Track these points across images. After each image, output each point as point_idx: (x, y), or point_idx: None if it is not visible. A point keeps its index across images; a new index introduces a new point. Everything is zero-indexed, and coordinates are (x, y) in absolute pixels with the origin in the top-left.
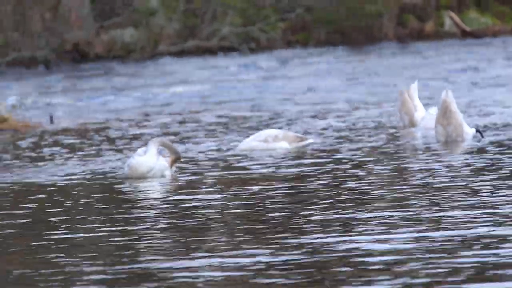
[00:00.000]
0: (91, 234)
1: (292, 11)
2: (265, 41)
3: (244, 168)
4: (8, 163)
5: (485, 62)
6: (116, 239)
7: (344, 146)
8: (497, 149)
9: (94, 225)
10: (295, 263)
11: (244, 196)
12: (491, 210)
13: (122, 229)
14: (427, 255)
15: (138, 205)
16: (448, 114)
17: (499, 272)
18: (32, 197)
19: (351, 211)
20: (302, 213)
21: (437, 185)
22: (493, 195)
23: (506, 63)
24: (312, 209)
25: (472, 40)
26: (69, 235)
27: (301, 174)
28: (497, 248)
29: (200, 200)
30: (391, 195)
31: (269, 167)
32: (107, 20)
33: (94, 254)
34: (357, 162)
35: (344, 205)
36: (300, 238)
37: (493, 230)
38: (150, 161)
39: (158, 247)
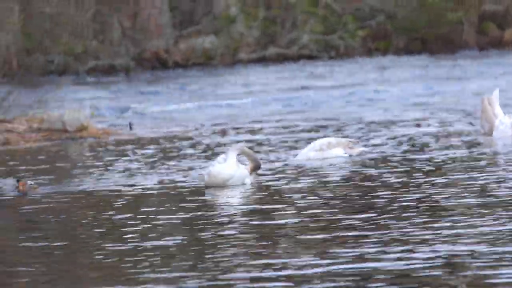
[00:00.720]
0: (168, 242)
1: (372, 19)
2: (344, 49)
3: (320, 175)
4: (88, 170)
5: None
6: (194, 247)
7: (418, 154)
8: None
9: (173, 233)
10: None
11: (328, 201)
12: None
13: (200, 236)
14: None
15: (217, 213)
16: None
17: None
18: (114, 204)
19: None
20: (383, 221)
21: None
22: None
23: None
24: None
25: None
26: (141, 243)
27: (378, 180)
28: None
29: (280, 207)
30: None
31: (338, 175)
32: (186, 28)
33: (168, 261)
34: (434, 168)
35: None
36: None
37: None
38: (230, 169)
39: (236, 256)
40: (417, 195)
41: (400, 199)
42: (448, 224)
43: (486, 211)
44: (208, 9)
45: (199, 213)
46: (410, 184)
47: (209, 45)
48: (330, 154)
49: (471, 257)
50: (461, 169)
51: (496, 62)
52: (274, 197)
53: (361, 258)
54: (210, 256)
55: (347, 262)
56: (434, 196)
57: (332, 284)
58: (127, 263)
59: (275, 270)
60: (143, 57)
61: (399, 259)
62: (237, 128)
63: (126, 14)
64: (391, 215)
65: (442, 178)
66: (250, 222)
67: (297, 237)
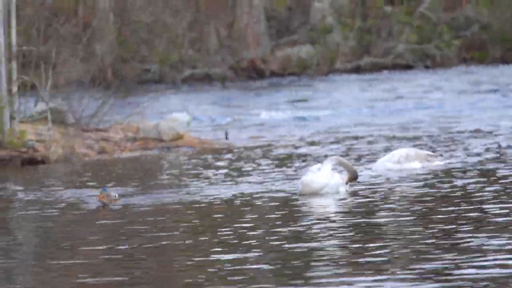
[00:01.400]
0: (263, 251)
1: (467, 29)
2: (440, 58)
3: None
4: (185, 179)
5: None
6: (288, 257)
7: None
8: None
9: (270, 241)
10: None
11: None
12: None
13: (294, 244)
14: None
15: (310, 222)
16: None
17: None
18: (214, 214)
19: None
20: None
21: None
22: None
23: None
24: None
25: None
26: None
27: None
28: None
29: (376, 216)
30: None
31: (430, 186)
32: (282, 37)
33: (269, 268)
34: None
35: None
36: None
37: None
38: (323, 178)
39: (331, 263)
40: None
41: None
42: None
43: None
44: (305, 19)
45: (290, 221)
46: None
47: (305, 55)
48: (407, 166)
49: None
50: None
51: None
52: (362, 208)
53: None
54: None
55: None
56: None
57: None
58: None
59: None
60: (239, 66)
61: None
62: (332, 137)
63: (223, 23)
64: None
65: None
66: (337, 231)
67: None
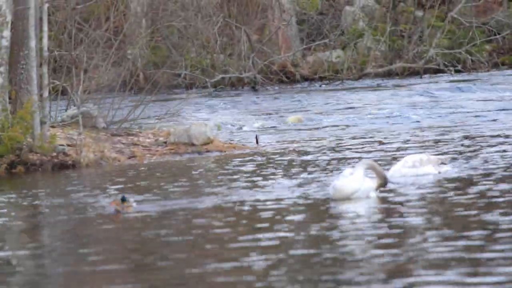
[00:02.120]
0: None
1: (499, 33)
2: (471, 63)
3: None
4: (215, 185)
5: None
6: (323, 263)
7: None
8: None
9: (302, 246)
10: None
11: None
12: None
13: (330, 247)
14: None
15: (341, 226)
16: None
17: None
18: (246, 220)
19: None
20: None
21: None
22: None
23: None
24: None
25: None
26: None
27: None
28: None
29: (408, 222)
30: None
31: (440, 192)
32: (313, 41)
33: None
34: None
35: None
36: None
37: None
38: (356, 182)
39: (363, 268)
40: None
41: None
42: None
43: None
44: (336, 23)
45: (321, 226)
46: None
47: (336, 59)
48: (422, 171)
49: None
50: None
51: None
52: (390, 212)
53: None
54: None
55: None
56: None
57: None
58: None
59: None
60: (270, 70)
61: None
62: (367, 142)
63: (254, 27)
64: None
65: None
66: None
67: None
